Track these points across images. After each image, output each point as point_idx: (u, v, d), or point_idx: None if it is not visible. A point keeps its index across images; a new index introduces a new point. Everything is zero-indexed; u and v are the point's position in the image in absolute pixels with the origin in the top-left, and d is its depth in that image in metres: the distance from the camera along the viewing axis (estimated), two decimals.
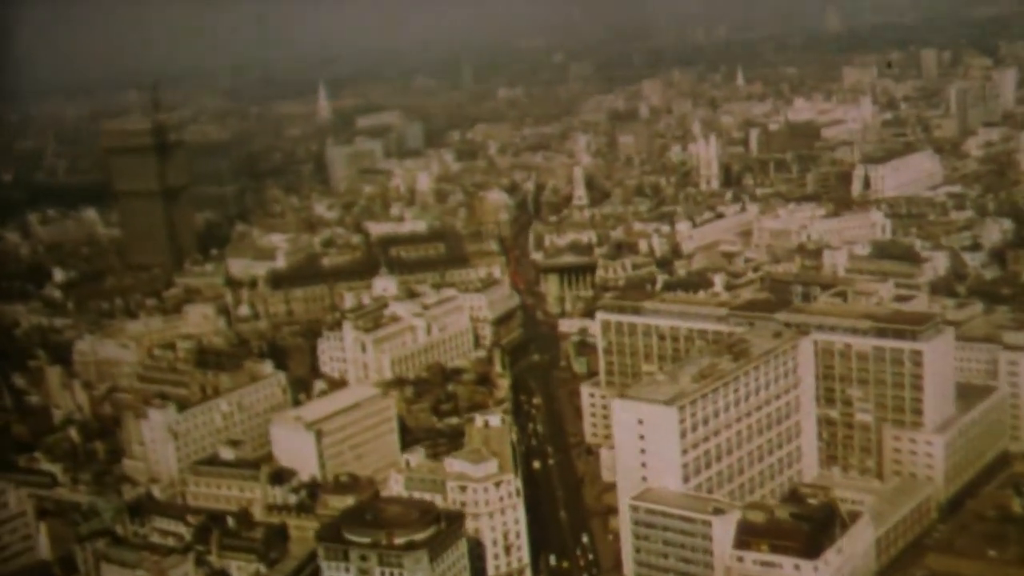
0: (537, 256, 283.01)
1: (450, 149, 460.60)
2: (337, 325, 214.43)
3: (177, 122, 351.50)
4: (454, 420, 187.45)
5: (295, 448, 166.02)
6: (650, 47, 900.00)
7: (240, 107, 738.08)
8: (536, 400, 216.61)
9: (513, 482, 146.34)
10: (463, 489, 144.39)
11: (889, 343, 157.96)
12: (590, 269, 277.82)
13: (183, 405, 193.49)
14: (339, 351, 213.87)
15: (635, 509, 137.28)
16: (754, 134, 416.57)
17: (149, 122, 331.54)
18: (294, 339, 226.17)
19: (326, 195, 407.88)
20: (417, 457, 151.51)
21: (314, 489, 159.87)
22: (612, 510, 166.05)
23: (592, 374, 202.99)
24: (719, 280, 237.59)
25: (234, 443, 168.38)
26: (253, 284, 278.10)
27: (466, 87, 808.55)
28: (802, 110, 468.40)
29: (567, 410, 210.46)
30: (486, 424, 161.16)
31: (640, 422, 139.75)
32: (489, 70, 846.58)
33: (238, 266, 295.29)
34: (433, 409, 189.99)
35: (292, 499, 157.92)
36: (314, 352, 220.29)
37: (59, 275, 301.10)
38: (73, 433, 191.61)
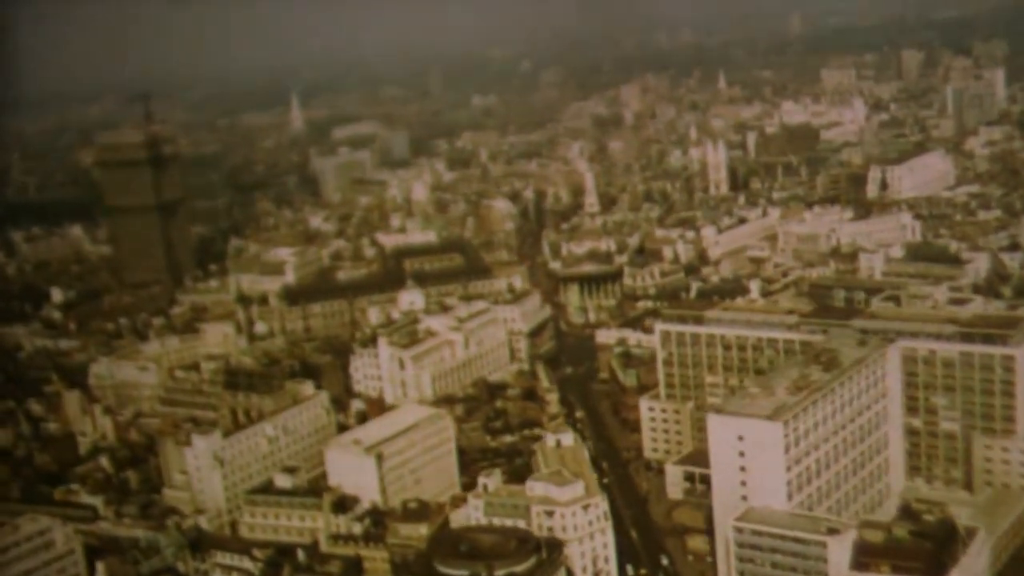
0: (555, 265, 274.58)
1: (441, 158, 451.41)
2: (371, 341, 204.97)
3: (170, 134, 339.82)
4: (507, 438, 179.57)
5: (353, 473, 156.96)
6: (616, 54, 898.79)
7: (207, 120, 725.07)
8: (579, 414, 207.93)
9: (601, 504, 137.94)
10: (550, 514, 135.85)
11: (978, 348, 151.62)
12: (611, 278, 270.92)
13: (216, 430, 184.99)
14: (374, 368, 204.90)
15: (740, 530, 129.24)
16: (751, 137, 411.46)
17: (142, 135, 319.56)
18: (321, 357, 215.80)
19: (320, 207, 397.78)
20: (494, 480, 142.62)
21: (378, 517, 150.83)
22: (687, 529, 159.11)
23: (643, 387, 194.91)
24: (755, 286, 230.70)
25: (290, 470, 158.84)
26: (263, 300, 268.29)
27: (436, 96, 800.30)
28: (793, 113, 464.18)
29: (613, 424, 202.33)
30: (558, 443, 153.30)
31: (740, 438, 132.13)
32: (456, 79, 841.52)
33: (243, 282, 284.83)
34: (484, 427, 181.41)
35: (356, 528, 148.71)
36: (345, 370, 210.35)
37: (57, 295, 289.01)
38: (105, 462, 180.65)
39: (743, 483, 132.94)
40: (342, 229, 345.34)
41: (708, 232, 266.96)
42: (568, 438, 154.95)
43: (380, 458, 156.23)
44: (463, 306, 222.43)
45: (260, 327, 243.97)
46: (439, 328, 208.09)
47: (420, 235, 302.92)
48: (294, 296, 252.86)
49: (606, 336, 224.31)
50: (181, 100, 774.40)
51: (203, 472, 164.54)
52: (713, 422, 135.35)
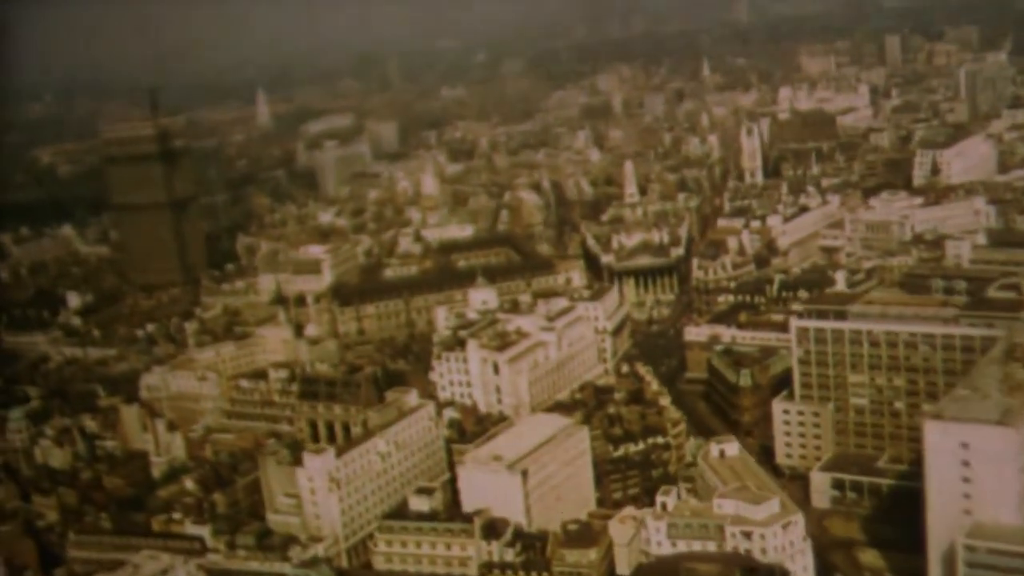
0: (608, 258, 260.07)
1: (441, 150, 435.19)
2: (459, 344, 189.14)
3: (181, 127, 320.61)
4: (631, 447, 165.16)
5: (493, 493, 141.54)
6: (570, 43, 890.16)
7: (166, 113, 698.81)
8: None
9: (800, 522, 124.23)
10: (747, 535, 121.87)
11: None
12: (667, 270, 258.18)
13: (297, 445, 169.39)
14: (460, 374, 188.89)
15: (972, 549, 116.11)
16: (764, 124, 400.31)
17: (152, 128, 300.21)
18: (394, 361, 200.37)
19: (321, 201, 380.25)
20: (672, 498, 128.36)
21: (531, 541, 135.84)
22: (851, 542, 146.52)
23: (757, 386, 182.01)
24: (840, 277, 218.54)
25: (426, 491, 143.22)
26: (300, 301, 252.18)
27: (398, 88, 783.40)
28: (797, 100, 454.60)
29: (719, 427, 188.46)
30: (722, 453, 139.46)
31: (964, 446, 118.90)
32: (413, 72, 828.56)
33: (273, 282, 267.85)
34: (604, 436, 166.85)
35: (509, 555, 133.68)
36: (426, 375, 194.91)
37: (74, 300, 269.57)
38: (191, 485, 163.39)
39: (966, 495, 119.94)
40: (361, 224, 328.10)
41: (773, 221, 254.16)
42: (733, 447, 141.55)
43: (525, 476, 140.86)
44: (542, 304, 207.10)
45: (312, 330, 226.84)
46: (529, 328, 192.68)
47: (457, 229, 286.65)
48: (346, 296, 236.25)
49: (696, 333, 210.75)
50: (128, 96, 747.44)
51: (318, 495, 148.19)
52: (932, 429, 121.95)
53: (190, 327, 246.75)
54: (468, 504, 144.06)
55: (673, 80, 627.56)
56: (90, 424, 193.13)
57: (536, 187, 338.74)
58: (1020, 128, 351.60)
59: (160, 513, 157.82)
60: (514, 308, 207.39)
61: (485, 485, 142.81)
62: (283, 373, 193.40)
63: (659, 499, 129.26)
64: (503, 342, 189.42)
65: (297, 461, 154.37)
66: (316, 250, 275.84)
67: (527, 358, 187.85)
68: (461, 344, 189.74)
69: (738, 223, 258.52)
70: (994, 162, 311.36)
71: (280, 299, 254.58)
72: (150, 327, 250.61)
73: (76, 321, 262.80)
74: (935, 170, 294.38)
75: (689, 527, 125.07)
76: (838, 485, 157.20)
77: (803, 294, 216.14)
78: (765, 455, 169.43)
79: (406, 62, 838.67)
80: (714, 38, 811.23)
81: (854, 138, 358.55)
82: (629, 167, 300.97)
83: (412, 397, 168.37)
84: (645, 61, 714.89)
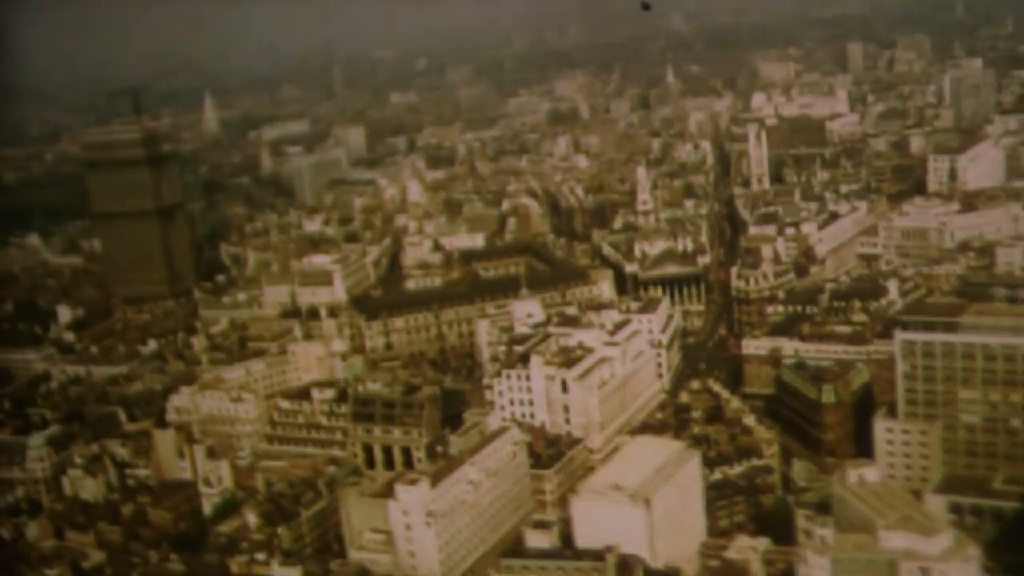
0: (632, 267, 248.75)
1: (420, 156, 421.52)
2: (520, 361, 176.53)
3: (168, 130, 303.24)
4: (729, 470, 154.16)
5: (611, 525, 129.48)
6: (511, 52, 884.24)
7: (99, 121, 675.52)
8: None
9: (977, 557, 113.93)
10: (925, 572, 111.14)
11: None
12: (695, 279, 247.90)
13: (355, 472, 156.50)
14: (523, 392, 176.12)
15: None
16: (752, 130, 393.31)
17: (138, 131, 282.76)
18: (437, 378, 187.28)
19: (305, 209, 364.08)
20: (829, 531, 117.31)
21: None
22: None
23: (840, 403, 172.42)
24: (893, 286, 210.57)
25: (544, 524, 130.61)
26: (312, 315, 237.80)
27: (343, 95, 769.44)
28: (775, 106, 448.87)
29: (795, 445, 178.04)
30: (861, 479, 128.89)
31: None
32: (355, 78, 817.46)
33: (280, 294, 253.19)
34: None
35: None
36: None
37: (65, 314, 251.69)
38: (253, 518, 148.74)
39: None
40: (352, 233, 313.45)
41: (808, 228, 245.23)
42: (874, 472, 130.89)
43: (649, 506, 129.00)
44: (594, 315, 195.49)
45: (338, 346, 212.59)
46: (592, 343, 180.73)
47: (467, 238, 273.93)
48: (373, 309, 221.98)
49: (755, 346, 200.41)
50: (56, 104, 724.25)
51: (414, 530, 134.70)
52: None
53: (198, 343, 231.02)
54: (583, 538, 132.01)
55: (629, 87, 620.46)
56: (120, 451, 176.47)
57: (533, 195, 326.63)
58: (1014, 133, 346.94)
59: (223, 551, 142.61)
60: (567, 321, 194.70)
61: (603, 517, 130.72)
62: (329, 393, 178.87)
63: (817, 532, 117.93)
64: (568, 358, 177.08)
65: (382, 492, 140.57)
66: (322, 260, 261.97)
67: (595, 375, 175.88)
68: (523, 360, 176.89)
69: (769, 230, 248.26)
70: (1003, 167, 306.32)
71: (291, 312, 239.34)
72: (152, 343, 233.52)
73: (69, 336, 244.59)
74: (952, 176, 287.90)
75: (856, 563, 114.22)
76: (956, 508, 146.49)
77: (856, 304, 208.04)
78: None
79: (346, 70, 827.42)
80: (661, 47, 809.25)
81: (853, 144, 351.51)
82: (642, 173, 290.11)
83: (493, 419, 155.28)
84: (595, 69, 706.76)
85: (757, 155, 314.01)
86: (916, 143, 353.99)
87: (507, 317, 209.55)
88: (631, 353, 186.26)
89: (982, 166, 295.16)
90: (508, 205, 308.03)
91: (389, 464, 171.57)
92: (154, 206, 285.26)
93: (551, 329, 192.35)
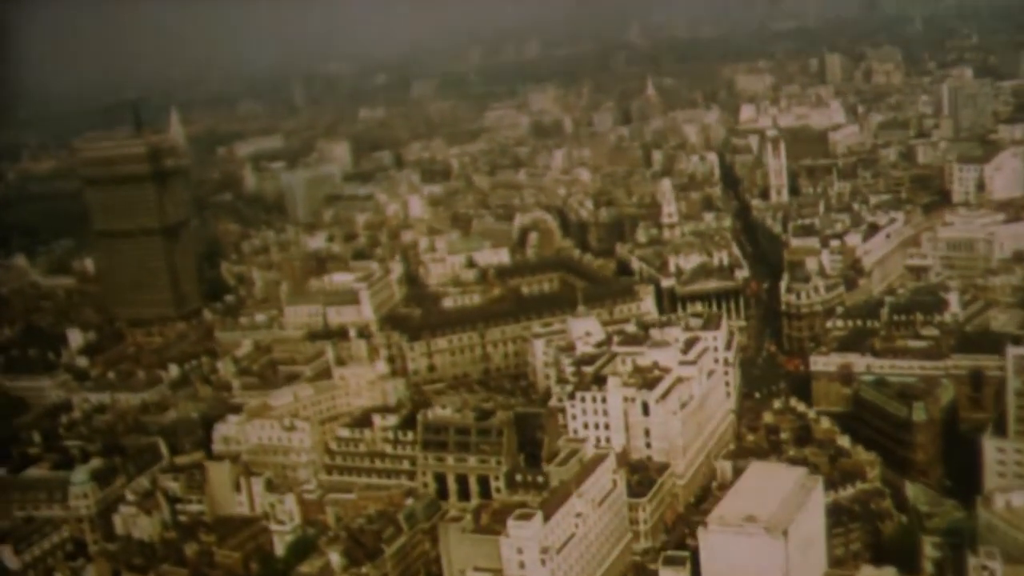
0: (668, 282, 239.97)
1: (415, 170, 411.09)
2: (596, 383, 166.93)
3: (172, 145, 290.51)
4: (838, 495, 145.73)
5: (743, 559, 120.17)
6: (471, 67, 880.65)
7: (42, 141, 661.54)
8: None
9: None
10: None
11: None
12: (734, 294, 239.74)
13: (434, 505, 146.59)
14: (600, 415, 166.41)
15: None
16: (754, 142, 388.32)
17: (143, 145, 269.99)
18: (510, 402, 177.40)
19: (302, 225, 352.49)
20: (997, 563, 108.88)
21: None
22: None
23: (931, 421, 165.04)
24: (954, 299, 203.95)
25: (676, 560, 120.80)
26: (341, 335, 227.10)
27: (305, 111, 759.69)
28: (763, 117, 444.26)
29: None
30: (1008, 504, 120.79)
31: None
32: (313, 93, 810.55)
33: (301, 314, 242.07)
34: None
35: None
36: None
37: (76, 338, 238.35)
38: (336, 558, 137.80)
39: None
40: (360, 251, 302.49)
41: (853, 240, 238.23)
42: (1020, 497, 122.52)
43: (786, 538, 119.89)
44: (657, 333, 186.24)
45: (381, 368, 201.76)
46: (667, 362, 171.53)
47: (491, 254, 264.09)
48: (415, 330, 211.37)
49: (824, 363, 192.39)
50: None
51: (529, 569, 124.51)
52: None
53: (224, 367, 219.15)
54: (712, 573, 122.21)
55: (602, 100, 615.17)
56: (171, 485, 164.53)
57: (547, 209, 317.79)
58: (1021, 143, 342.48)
59: None
60: (631, 340, 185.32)
61: (736, 550, 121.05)
62: (392, 419, 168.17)
63: (987, 564, 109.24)
64: (646, 379, 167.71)
65: (485, 528, 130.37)
66: (344, 278, 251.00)
67: (674, 396, 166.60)
68: (598, 382, 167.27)
69: (811, 243, 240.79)
70: (1022, 176, 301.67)
71: (320, 334, 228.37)
72: (174, 368, 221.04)
73: (82, 362, 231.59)
74: (980, 185, 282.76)
75: None
76: None
77: (919, 317, 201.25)
78: (949, 497, 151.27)
79: (305, 85, 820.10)
80: (624, 60, 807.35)
81: (863, 154, 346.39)
82: (667, 186, 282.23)
83: (586, 447, 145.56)
84: (562, 82, 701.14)
85: (775, 166, 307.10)
86: (922, 153, 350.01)
87: (557, 335, 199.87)
88: (704, 372, 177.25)
89: (1006, 175, 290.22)
90: (527, 219, 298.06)
91: (463, 495, 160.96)
92: (159, 224, 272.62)
93: (615, 348, 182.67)
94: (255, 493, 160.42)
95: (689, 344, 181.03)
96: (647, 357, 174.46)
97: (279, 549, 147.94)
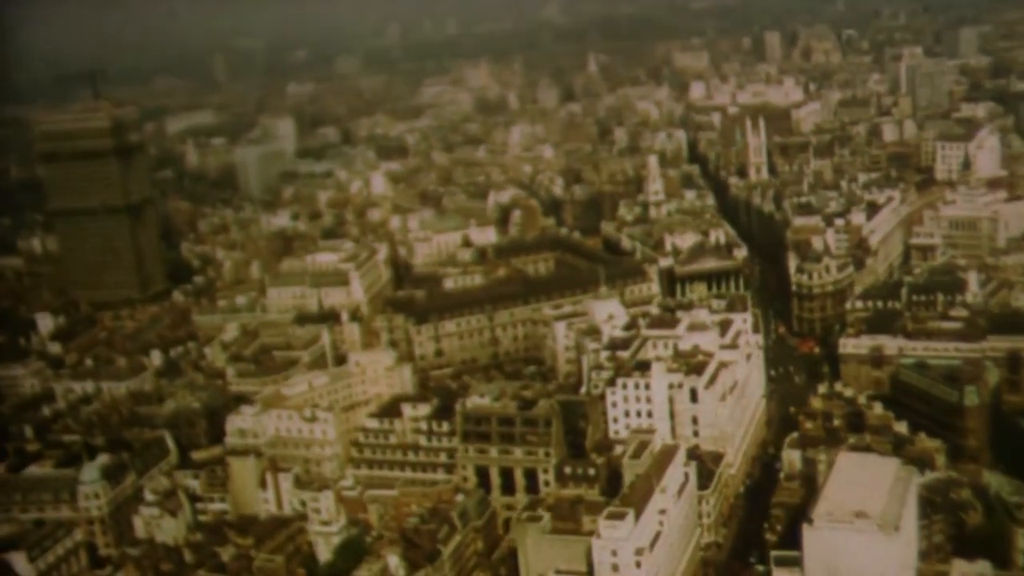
0: (666, 262, 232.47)
1: (368, 147, 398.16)
2: (638, 368, 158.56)
3: (134, 118, 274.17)
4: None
5: (852, 556, 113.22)
6: (391, 43, 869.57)
7: None
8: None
9: None
10: None
11: None
12: (734, 273, 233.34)
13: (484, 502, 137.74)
14: (642, 402, 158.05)
15: None
16: (716, 119, 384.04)
17: (106, 118, 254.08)
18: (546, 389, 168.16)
19: (258, 203, 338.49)
20: None
21: None
22: None
23: (983, 405, 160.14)
24: (973, 279, 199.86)
25: (787, 560, 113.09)
26: (332, 318, 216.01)
27: (225, 86, 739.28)
28: (723, 94, 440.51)
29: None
30: None
31: None
32: (237, 69, 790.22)
33: (285, 296, 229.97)
34: None
35: None
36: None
37: (46, 323, 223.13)
38: (395, 561, 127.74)
39: None
40: (330, 230, 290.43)
41: (858, 219, 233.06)
42: None
43: (899, 533, 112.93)
44: (686, 315, 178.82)
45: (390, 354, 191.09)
46: (709, 346, 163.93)
47: (478, 233, 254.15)
48: (422, 313, 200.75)
49: (854, 345, 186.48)
50: None
51: (624, 572, 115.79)
52: None
53: (212, 353, 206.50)
54: (819, 573, 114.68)
55: (536, 76, 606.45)
56: (191, 483, 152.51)
57: (522, 186, 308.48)
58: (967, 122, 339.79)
59: None
60: (660, 323, 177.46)
61: (846, 548, 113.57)
62: (423, 409, 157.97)
63: None
64: (691, 364, 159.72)
65: (561, 529, 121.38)
66: (328, 259, 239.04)
67: (721, 381, 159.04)
68: (640, 367, 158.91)
69: (814, 221, 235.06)
70: (997, 155, 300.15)
71: (309, 317, 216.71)
72: (156, 354, 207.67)
73: (55, 348, 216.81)
74: (966, 163, 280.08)
75: None
76: None
77: (940, 297, 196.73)
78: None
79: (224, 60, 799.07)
80: (553, 36, 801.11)
81: (833, 132, 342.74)
82: (654, 163, 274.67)
83: (655, 439, 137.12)
84: (490, 59, 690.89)
85: (755, 144, 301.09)
86: (889, 131, 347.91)
87: (576, 318, 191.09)
88: (745, 356, 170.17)
89: (987, 154, 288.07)
90: (505, 198, 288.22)
91: (507, 489, 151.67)
92: (123, 202, 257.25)
93: (646, 332, 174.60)
94: (283, 490, 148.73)
95: (724, 327, 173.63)
96: (687, 341, 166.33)
97: (323, 552, 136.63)
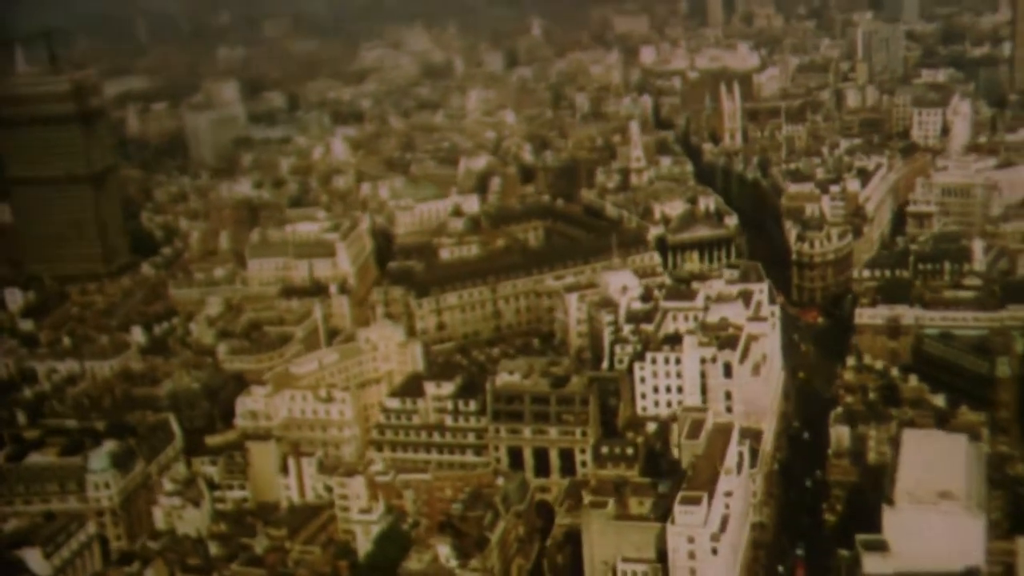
0: (657, 230, 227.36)
1: (322, 112, 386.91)
2: (668, 342, 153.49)
3: (94, 82, 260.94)
4: None
5: (935, 539, 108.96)
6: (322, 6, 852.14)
7: None
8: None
9: None
10: None
11: None
12: (726, 242, 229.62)
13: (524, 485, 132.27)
14: (670, 378, 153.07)
15: None
16: (677, 84, 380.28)
17: (67, 82, 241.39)
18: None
19: (217, 171, 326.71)
20: None
21: None
22: None
23: (1015, 376, 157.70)
24: (978, 247, 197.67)
25: (876, 545, 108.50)
26: (319, 291, 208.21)
27: (151, 50, 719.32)
28: (678, 58, 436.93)
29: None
30: None
31: None
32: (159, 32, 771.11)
33: (268, 269, 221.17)
34: None
35: None
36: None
37: (15, 298, 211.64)
38: (445, 551, 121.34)
39: None
40: (297, 198, 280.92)
41: (853, 186, 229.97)
42: None
43: (983, 514, 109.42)
44: (701, 286, 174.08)
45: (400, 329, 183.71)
46: (737, 319, 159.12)
47: (462, 201, 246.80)
48: (423, 286, 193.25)
49: (870, 315, 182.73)
50: None
51: (700, 560, 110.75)
52: None
53: (198, 330, 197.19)
54: (902, 556, 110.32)
55: (472, 40, 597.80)
56: (209, 470, 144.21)
57: (494, 153, 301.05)
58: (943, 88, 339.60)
59: None
60: (677, 294, 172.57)
61: (930, 530, 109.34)
62: (448, 387, 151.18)
63: None
64: (721, 337, 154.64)
65: (629, 515, 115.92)
66: (309, 228, 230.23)
67: (752, 355, 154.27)
68: (670, 341, 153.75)
69: (808, 188, 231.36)
70: (969, 121, 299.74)
71: (296, 290, 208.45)
72: (138, 331, 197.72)
73: (27, 326, 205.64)
74: (944, 129, 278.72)
75: None
76: None
77: (947, 266, 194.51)
78: None
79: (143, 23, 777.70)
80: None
81: (797, 97, 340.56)
82: (635, 129, 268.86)
83: (707, 416, 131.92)
84: (425, 22, 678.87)
85: (730, 109, 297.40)
86: (851, 96, 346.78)
87: (585, 290, 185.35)
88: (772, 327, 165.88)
89: (961, 119, 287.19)
90: (480, 165, 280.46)
91: (541, 470, 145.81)
92: (86, 170, 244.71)
93: (664, 304, 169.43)
94: (305, 475, 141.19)
95: (745, 298, 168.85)
96: (714, 313, 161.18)
97: (362, 542, 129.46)
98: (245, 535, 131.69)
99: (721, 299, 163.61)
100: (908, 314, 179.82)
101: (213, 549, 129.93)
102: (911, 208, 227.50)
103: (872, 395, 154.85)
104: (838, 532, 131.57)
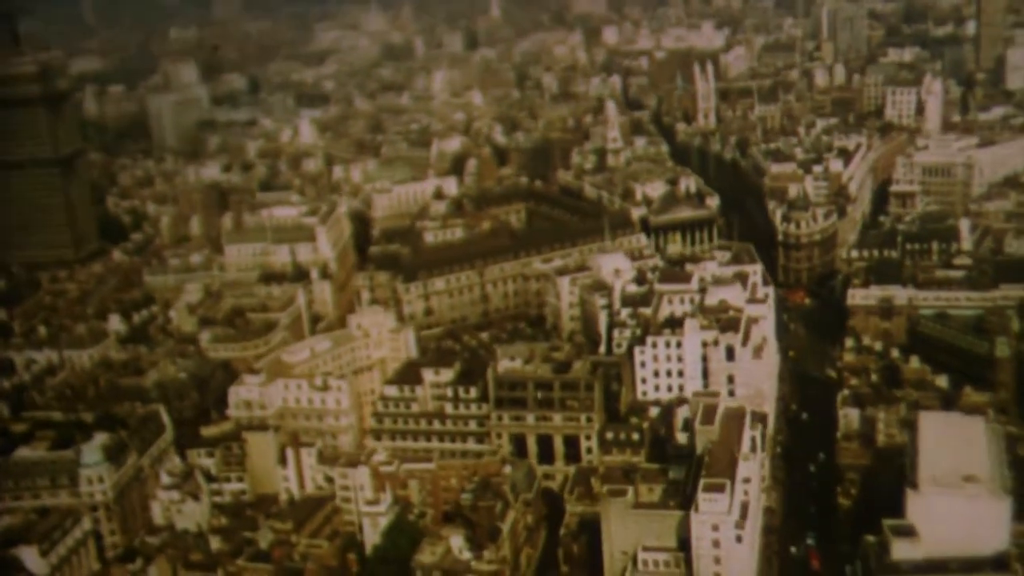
0: (639, 211, 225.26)
1: (286, 95, 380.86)
2: (669, 326, 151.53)
3: (61, 64, 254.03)
4: None
5: (960, 525, 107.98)
6: None
7: None
8: None
9: None
10: None
11: None
12: (707, 223, 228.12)
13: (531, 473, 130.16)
14: (673, 361, 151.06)
15: None
16: (645, 63, 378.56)
17: (33, 63, 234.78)
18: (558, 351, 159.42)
19: (181, 154, 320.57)
20: None
21: None
22: None
23: (1014, 356, 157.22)
24: (965, 227, 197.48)
25: (904, 530, 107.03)
26: (299, 276, 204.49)
27: (98, 31, 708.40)
28: (642, 39, 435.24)
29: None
30: None
31: None
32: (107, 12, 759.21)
33: (245, 254, 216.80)
34: None
35: None
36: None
37: None
38: (457, 543, 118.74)
39: None
40: (272, 180, 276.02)
41: (836, 166, 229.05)
42: None
43: (1009, 497, 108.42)
44: (697, 268, 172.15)
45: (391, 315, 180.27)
46: (736, 301, 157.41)
47: (437, 183, 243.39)
48: (411, 270, 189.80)
49: (863, 296, 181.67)
50: None
51: (724, 547, 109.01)
52: None
53: (178, 317, 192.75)
54: (927, 541, 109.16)
55: (427, 21, 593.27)
56: (205, 462, 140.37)
57: (464, 132, 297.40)
58: (912, 68, 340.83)
59: None
60: (671, 277, 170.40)
61: (954, 515, 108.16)
62: (446, 374, 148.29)
63: None
64: (722, 321, 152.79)
65: (647, 503, 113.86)
66: (287, 213, 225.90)
67: (753, 338, 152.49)
68: (671, 325, 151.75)
69: (791, 168, 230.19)
70: (940, 100, 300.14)
71: (276, 276, 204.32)
72: (115, 319, 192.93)
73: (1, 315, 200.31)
74: (920, 108, 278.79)
75: None
76: None
77: (935, 246, 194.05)
78: None
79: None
80: None
81: (767, 76, 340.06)
82: (613, 109, 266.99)
83: (721, 400, 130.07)
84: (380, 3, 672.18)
85: (704, 89, 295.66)
86: (820, 75, 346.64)
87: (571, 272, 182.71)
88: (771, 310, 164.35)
89: (934, 99, 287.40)
90: (454, 146, 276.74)
91: (544, 457, 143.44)
92: (53, 154, 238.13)
93: (659, 286, 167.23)
94: (305, 466, 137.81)
95: (741, 280, 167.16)
96: (713, 296, 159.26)
97: (369, 534, 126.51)
98: (247, 528, 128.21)
99: (719, 282, 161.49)
100: (901, 294, 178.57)
101: (215, 544, 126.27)
102: (894, 188, 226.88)
103: (874, 377, 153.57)
104: (852, 517, 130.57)
